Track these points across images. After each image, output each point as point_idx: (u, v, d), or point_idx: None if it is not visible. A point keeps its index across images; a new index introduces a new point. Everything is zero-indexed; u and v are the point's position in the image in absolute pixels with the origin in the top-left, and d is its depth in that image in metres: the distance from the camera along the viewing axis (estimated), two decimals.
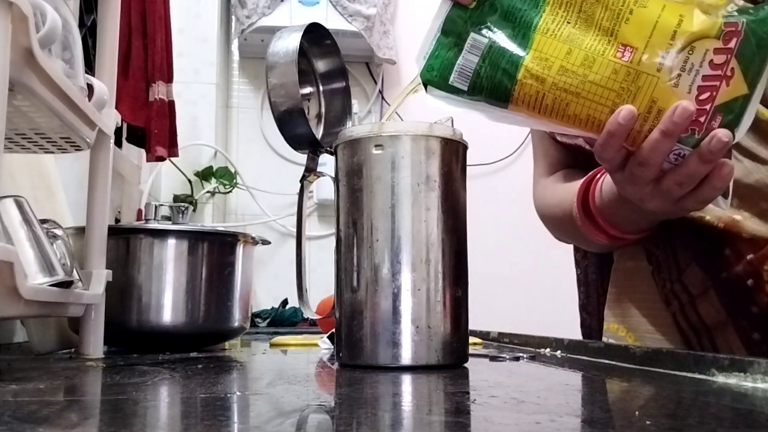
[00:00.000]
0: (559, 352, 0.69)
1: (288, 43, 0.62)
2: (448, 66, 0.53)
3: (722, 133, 0.49)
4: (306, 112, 0.63)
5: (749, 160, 0.64)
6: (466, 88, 0.53)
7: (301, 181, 0.65)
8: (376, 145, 0.55)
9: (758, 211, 0.63)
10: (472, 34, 0.52)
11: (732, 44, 0.49)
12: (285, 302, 1.96)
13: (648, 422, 0.31)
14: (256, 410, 0.35)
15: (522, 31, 0.52)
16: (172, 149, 1.48)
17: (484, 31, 0.52)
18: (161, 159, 1.44)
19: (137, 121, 1.36)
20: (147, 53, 1.39)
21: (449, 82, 0.53)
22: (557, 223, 0.77)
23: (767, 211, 0.62)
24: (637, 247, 0.71)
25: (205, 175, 2.01)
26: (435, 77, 0.54)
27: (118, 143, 1.36)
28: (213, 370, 0.54)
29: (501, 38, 0.52)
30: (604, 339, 0.76)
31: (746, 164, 0.64)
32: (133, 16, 1.36)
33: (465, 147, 0.58)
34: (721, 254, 0.64)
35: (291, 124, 0.62)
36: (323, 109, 0.71)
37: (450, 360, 0.54)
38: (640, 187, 0.55)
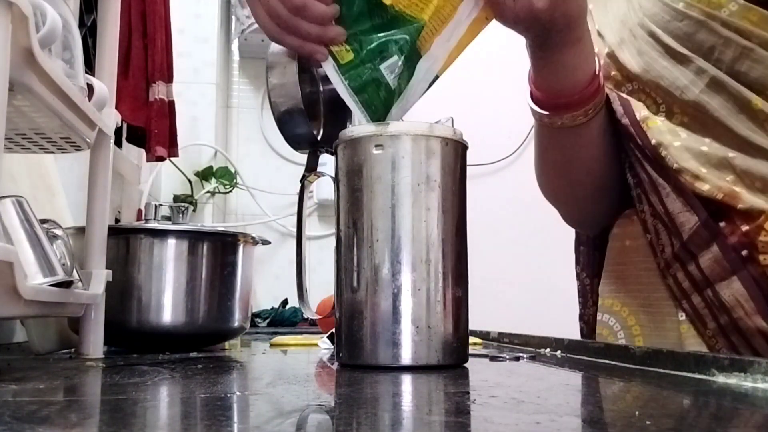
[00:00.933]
0: (559, 352, 0.69)
1: None
2: (389, 100, 0.58)
3: None
4: (306, 112, 0.63)
5: (745, 149, 0.64)
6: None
7: (301, 181, 0.65)
8: (376, 145, 0.55)
9: (755, 188, 0.63)
10: (381, 67, 0.57)
11: None
12: (285, 302, 1.96)
13: (648, 422, 0.31)
14: (256, 410, 0.35)
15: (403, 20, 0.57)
16: (172, 149, 1.48)
17: (384, 55, 0.57)
18: (161, 159, 1.44)
19: (137, 121, 1.36)
20: (147, 53, 1.39)
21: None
22: (542, 167, 0.78)
23: (762, 189, 0.63)
24: (635, 227, 0.72)
25: (205, 175, 2.01)
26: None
27: (118, 143, 1.35)
28: (213, 370, 0.54)
29: (398, 41, 0.57)
30: (599, 315, 0.77)
31: (745, 147, 0.64)
32: (133, 16, 1.36)
33: (465, 147, 0.58)
34: (717, 227, 0.64)
35: (291, 124, 0.62)
36: (323, 109, 0.71)
37: (450, 360, 0.54)
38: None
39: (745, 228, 0.62)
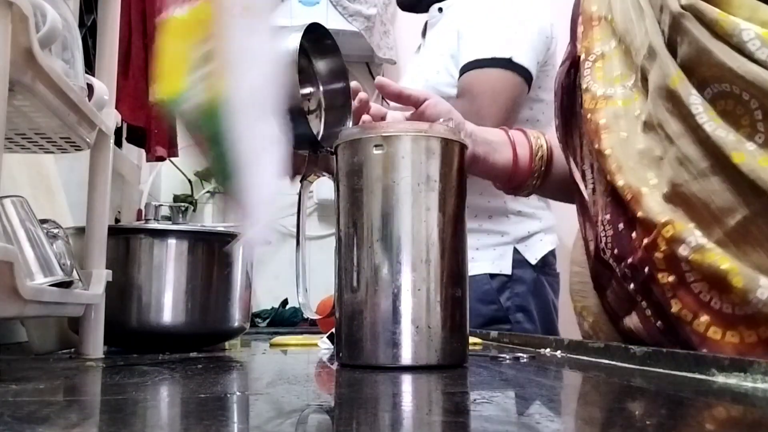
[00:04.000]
0: (559, 352, 0.69)
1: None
2: None
3: None
4: (306, 112, 0.63)
5: (662, 133, 0.57)
6: None
7: (301, 181, 0.65)
8: (376, 145, 0.55)
9: (662, 194, 0.57)
10: None
11: None
12: (285, 302, 1.96)
13: (648, 422, 0.31)
14: (256, 410, 0.35)
15: None
16: (172, 149, 1.48)
17: None
18: (161, 159, 1.44)
19: (137, 121, 1.36)
20: (147, 53, 1.39)
21: None
22: None
23: (669, 195, 0.56)
24: None
25: (205, 175, 2.00)
26: None
27: (118, 143, 1.35)
28: (213, 370, 0.54)
29: None
30: (576, 317, 0.77)
31: (662, 139, 0.57)
32: (133, 16, 1.36)
33: (465, 147, 0.58)
34: (630, 238, 0.59)
35: (291, 124, 0.62)
36: (323, 110, 0.71)
37: (450, 360, 0.54)
38: None
39: (646, 241, 0.57)
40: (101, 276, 0.64)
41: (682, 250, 0.53)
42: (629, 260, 0.59)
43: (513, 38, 1.30)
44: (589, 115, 0.64)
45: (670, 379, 0.47)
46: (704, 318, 0.53)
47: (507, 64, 1.26)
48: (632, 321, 0.60)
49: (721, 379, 0.45)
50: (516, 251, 1.35)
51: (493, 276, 1.33)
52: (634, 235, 0.59)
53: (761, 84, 0.50)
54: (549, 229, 1.42)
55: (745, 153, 0.51)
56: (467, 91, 1.28)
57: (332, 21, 2.07)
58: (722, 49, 0.52)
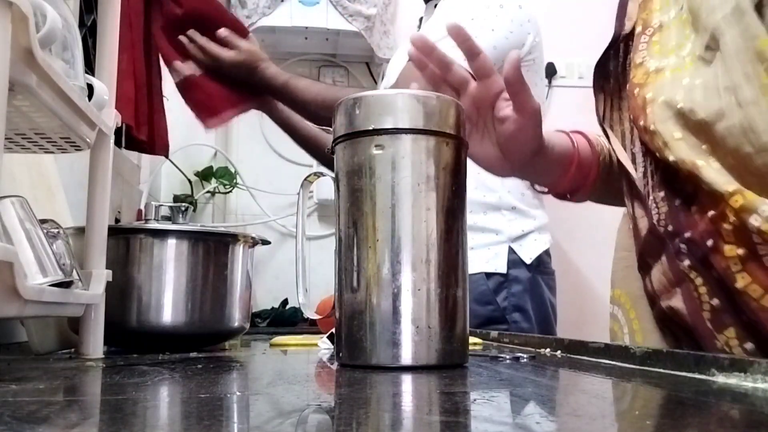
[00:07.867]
0: (559, 352, 0.69)
1: None
2: None
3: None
4: None
5: (728, 99, 0.53)
6: None
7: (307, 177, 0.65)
8: (376, 145, 0.55)
9: (726, 164, 0.54)
10: None
11: None
12: (285, 302, 1.96)
13: (648, 422, 0.31)
14: (256, 410, 0.35)
15: None
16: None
17: None
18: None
19: (163, 146, 1.32)
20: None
21: None
22: None
23: (734, 166, 0.53)
24: None
25: (205, 175, 2.01)
26: None
27: (118, 143, 1.35)
28: (213, 370, 0.54)
29: None
30: (610, 308, 0.75)
31: (723, 104, 0.54)
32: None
33: (466, 146, 0.58)
34: (688, 212, 0.57)
35: None
36: None
37: (450, 360, 0.54)
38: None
39: (711, 213, 0.54)
40: (101, 276, 0.64)
41: (753, 221, 0.50)
42: (687, 235, 0.56)
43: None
44: (636, 90, 0.62)
45: (670, 379, 0.47)
46: None
47: None
48: (675, 301, 0.58)
49: (721, 379, 0.45)
50: (511, 250, 1.36)
51: (489, 275, 1.33)
52: (693, 208, 0.56)
53: None
54: (543, 228, 1.42)
55: None
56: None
57: (332, 21, 2.07)
58: None
